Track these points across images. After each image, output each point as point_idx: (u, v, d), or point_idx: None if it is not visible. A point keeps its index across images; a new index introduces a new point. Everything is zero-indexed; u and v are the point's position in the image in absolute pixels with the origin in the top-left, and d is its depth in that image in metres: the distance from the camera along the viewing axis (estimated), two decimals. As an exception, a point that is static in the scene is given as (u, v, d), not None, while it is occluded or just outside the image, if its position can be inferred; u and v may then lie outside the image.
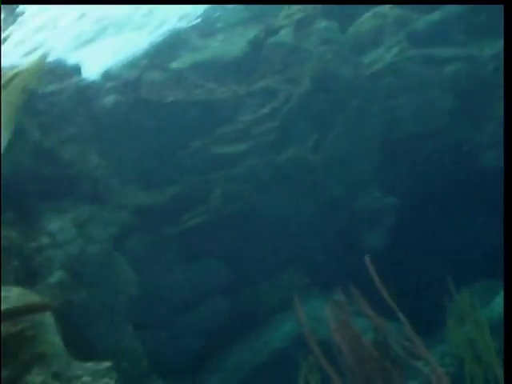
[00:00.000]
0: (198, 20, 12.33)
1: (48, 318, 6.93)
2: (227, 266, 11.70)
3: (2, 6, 7.65)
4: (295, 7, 11.85)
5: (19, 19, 10.00)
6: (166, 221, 11.14)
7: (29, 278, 8.98)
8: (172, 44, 12.76)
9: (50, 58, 10.08)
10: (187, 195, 11.35)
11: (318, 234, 12.32)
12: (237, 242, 11.60)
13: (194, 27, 13.17)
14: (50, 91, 10.33)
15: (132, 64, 11.67)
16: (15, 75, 8.04)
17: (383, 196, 12.45)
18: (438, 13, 12.61)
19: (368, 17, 12.98)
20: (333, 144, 11.95)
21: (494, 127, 12.15)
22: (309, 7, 11.60)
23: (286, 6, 12.06)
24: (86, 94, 10.81)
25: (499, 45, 11.87)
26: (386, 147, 12.34)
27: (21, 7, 9.94)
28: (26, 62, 8.61)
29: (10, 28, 9.95)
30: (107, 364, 6.82)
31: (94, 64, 11.51)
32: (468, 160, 12.56)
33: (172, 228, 11.18)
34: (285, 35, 12.05)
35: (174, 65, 12.11)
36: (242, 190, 11.44)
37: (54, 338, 6.77)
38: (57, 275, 9.38)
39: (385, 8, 12.79)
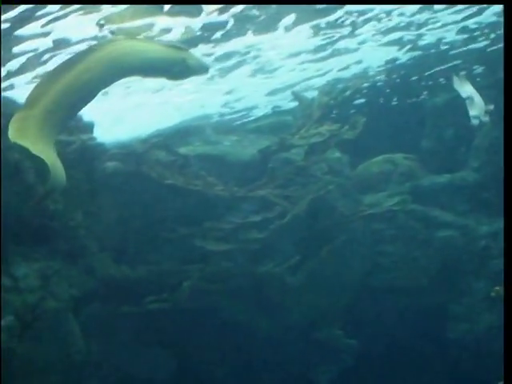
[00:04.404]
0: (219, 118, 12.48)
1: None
2: (176, 360, 11.50)
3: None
4: (314, 131, 11.97)
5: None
6: (129, 298, 10.96)
7: (-17, 314, 8.79)
8: (188, 131, 12.91)
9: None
10: (157, 279, 11.21)
11: (270, 354, 12.20)
12: (193, 339, 11.46)
13: (213, 122, 13.34)
14: (57, 140, 10.30)
15: (143, 139, 11.73)
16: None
17: (345, 336, 12.38)
18: (447, 176, 12.87)
19: (379, 160, 13.23)
20: (311, 271, 11.94)
21: (472, 302, 12.24)
22: (327, 134, 11.70)
23: (305, 128, 12.18)
24: (91, 153, 10.76)
25: (496, 225, 12.11)
26: (362, 290, 12.37)
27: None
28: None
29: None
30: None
31: (109, 127, 11.55)
32: (435, 326, 12.59)
33: (133, 307, 10.99)
34: (296, 154, 12.18)
35: (183, 150, 12.19)
36: (211, 289, 11.31)
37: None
38: (7, 320, 9.16)
39: (397, 157, 13.04)
